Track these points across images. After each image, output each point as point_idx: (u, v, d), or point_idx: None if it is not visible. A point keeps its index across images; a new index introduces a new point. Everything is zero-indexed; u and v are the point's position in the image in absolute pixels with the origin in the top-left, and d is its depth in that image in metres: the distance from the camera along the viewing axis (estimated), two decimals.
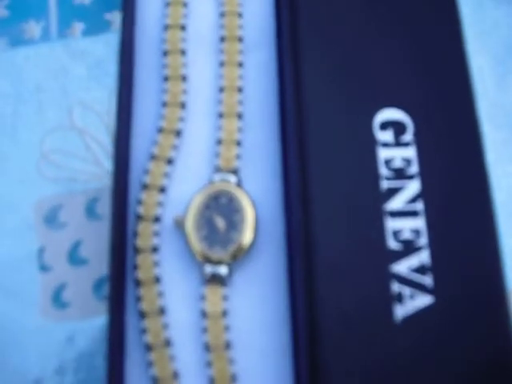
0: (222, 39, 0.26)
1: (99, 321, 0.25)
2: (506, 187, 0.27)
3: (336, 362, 0.21)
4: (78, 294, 0.25)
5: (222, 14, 0.26)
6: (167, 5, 0.27)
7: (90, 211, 0.26)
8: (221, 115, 0.25)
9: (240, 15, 0.27)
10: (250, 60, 0.26)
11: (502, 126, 0.28)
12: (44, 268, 0.25)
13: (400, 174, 0.23)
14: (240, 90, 0.25)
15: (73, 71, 0.28)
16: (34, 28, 0.28)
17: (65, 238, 0.26)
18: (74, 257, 0.25)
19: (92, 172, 0.26)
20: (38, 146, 0.27)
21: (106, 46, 0.28)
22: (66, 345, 0.24)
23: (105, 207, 0.26)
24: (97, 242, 0.25)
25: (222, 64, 0.26)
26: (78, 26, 0.28)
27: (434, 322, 0.22)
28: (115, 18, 0.29)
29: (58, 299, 0.25)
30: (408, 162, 0.23)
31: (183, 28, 0.26)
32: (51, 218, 0.26)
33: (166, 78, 0.25)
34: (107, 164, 0.26)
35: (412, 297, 0.22)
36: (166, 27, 0.26)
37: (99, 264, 0.25)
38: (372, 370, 0.21)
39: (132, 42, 0.26)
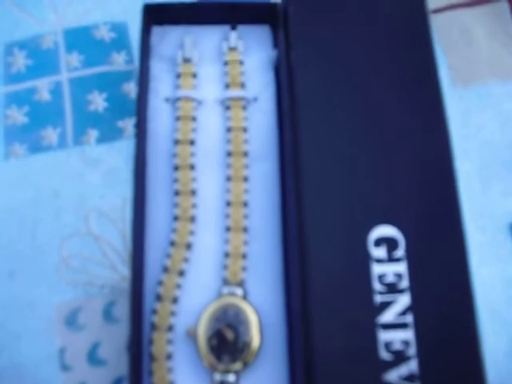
0: (229, 154, 0.28)
1: None
2: (492, 286, 0.30)
3: None
4: None
5: (229, 129, 0.29)
6: (177, 119, 0.29)
7: (108, 314, 0.28)
8: (228, 229, 0.27)
9: (245, 130, 0.29)
10: (254, 173, 0.28)
11: (486, 228, 0.30)
12: (65, 367, 0.27)
13: (392, 288, 0.26)
14: (245, 204, 0.28)
15: (88, 178, 0.30)
16: (51, 135, 0.30)
17: (84, 339, 0.28)
18: (93, 357, 0.27)
19: (108, 277, 0.28)
20: (57, 250, 0.29)
21: (119, 153, 0.30)
22: None
23: (121, 310, 0.28)
24: (114, 343, 0.28)
25: (228, 178, 0.28)
26: (93, 133, 0.30)
27: None
28: (127, 125, 0.31)
29: None
30: (399, 276, 0.26)
31: (192, 143, 0.28)
32: (71, 320, 0.28)
33: (176, 193, 0.27)
34: (122, 269, 0.28)
35: None
36: (177, 142, 0.28)
37: (117, 364, 0.27)
38: None
39: (145, 156, 0.28)
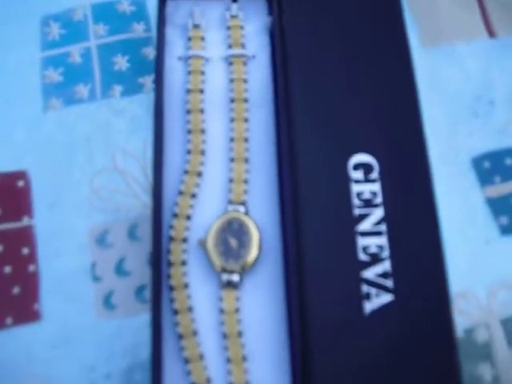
0: (232, 100, 0.34)
1: (140, 318, 0.32)
2: (455, 210, 0.35)
3: (322, 345, 0.29)
4: (123, 298, 0.32)
5: (232, 80, 0.34)
6: (189, 73, 0.34)
7: (132, 234, 0.33)
8: (232, 160, 0.33)
9: (245, 81, 0.34)
10: (253, 116, 0.34)
11: (453, 163, 0.36)
12: (96, 279, 0.33)
13: (368, 203, 0.31)
14: (246, 140, 0.33)
15: (114, 125, 0.35)
16: (82, 90, 0.36)
17: (112, 255, 0.33)
18: (120, 270, 0.33)
19: (132, 204, 0.34)
20: (89, 184, 0.34)
21: (140, 104, 0.36)
22: (114, 338, 0.32)
23: (143, 231, 0.33)
24: (137, 258, 0.33)
25: (232, 120, 0.33)
26: (117, 88, 0.36)
27: (395, 314, 0.29)
28: (146, 81, 0.37)
29: (107, 303, 0.32)
30: (374, 194, 0.31)
31: (201, 91, 0.34)
32: (101, 240, 0.33)
33: (189, 131, 0.33)
34: (144, 198, 0.34)
35: (377, 295, 0.29)
36: (188, 91, 0.34)
37: (139, 275, 0.33)
38: (348, 353, 0.29)
39: (162, 104, 0.33)
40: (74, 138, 0.35)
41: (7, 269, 0.33)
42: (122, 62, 0.37)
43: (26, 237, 0.33)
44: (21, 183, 0.34)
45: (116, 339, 0.32)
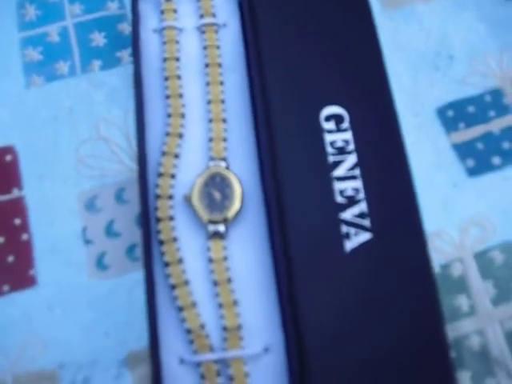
0: (207, 65, 0.36)
1: (133, 276, 0.33)
2: (424, 157, 0.37)
3: (306, 285, 0.30)
4: (114, 258, 0.34)
5: (205, 47, 0.36)
6: (164, 43, 0.36)
7: (119, 198, 0.35)
8: (210, 121, 0.34)
9: (218, 47, 0.36)
10: (228, 79, 0.36)
11: (419, 113, 0.38)
12: (88, 242, 0.34)
13: (341, 150, 0.33)
14: (223, 101, 0.35)
15: (95, 97, 0.37)
16: (63, 66, 0.37)
17: (101, 219, 0.34)
18: (110, 232, 0.34)
19: (117, 169, 0.35)
20: (75, 154, 0.35)
21: (119, 77, 0.37)
22: (109, 297, 0.33)
23: (130, 195, 0.35)
24: (126, 219, 0.34)
25: (208, 83, 0.35)
26: (96, 63, 0.38)
27: (374, 251, 0.31)
28: (124, 55, 0.38)
29: (100, 264, 0.34)
30: (346, 142, 0.33)
31: (177, 59, 0.36)
32: (90, 205, 0.35)
33: (168, 97, 0.35)
34: (129, 163, 0.35)
35: (356, 234, 0.31)
36: (165, 59, 0.36)
37: (129, 235, 0.34)
38: (331, 289, 0.30)
39: (141, 73, 0.35)
40: (58, 111, 0.36)
41: (0, 239, 0.34)
42: (99, 39, 0.38)
43: (17, 208, 0.34)
44: (8, 157, 0.35)
45: (110, 298, 0.33)
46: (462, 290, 0.34)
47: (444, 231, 0.35)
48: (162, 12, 0.37)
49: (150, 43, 0.36)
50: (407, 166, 0.33)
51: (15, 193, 0.35)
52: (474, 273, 0.34)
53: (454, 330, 0.32)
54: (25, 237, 0.34)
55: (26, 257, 0.34)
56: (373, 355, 0.29)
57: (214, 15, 0.37)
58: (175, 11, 0.37)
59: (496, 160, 0.36)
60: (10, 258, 0.34)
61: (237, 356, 0.30)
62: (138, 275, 0.33)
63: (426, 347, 0.29)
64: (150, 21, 0.37)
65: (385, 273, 0.31)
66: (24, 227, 0.34)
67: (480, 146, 0.36)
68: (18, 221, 0.34)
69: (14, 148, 0.35)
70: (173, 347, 0.31)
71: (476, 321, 0.33)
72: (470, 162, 0.36)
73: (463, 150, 0.36)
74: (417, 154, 0.36)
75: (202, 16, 0.37)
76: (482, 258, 0.34)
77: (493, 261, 0.34)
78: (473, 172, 0.36)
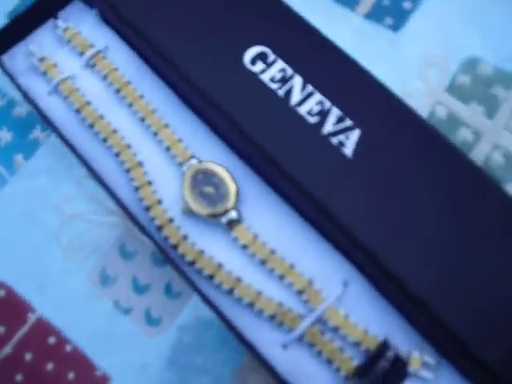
0: (118, 90, 0.34)
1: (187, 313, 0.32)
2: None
3: (343, 205, 0.30)
4: (160, 306, 0.32)
5: (105, 76, 0.35)
6: (66, 97, 0.34)
7: (124, 254, 0.33)
8: (155, 133, 0.33)
9: (116, 69, 0.35)
10: (145, 89, 0.35)
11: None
12: (126, 311, 0.33)
13: (283, 79, 0.32)
14: (154, 111, 0.34)
15: (42, 186, 0.35)
16: None
17: (123, 283, 0.33)
18: (138, 288, 0.33)
19: (104, 232, 0.34)
20: (57, 245, 0.34)
21: (48, 155, 0.36)
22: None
23: (130, 245, 0.33)
24: (143, 268, 0.33)
25: (130, 104, 0.34)
26: (18, 157, 0.36)
27: (372, 142, 0.31)
28: (37, 134, 0.36)
29: (150, 319, 0.32)
30: (283, 70, 0.32)
31: (89, 103, 0.34)
32: (105, 279, 0.33)
33: (104, 140, 0.33)
34: (110, 219, 0.34)
35: (348, 138, 0.31)
36: (77, 110, 0.34)
37: (156, 279, 0.33)
38: (366, 196, 0.30)
39: (67, 137, 0.34)
40: (15, 220, 0.34)
41: (50, 365, 0.32)
42: (4, 135, 0.36)
43: (43, 328, 0.33)
44: (2, 293, 0.33)
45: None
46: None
47: None
48: (45, 73, 0.35)
49: (55, 106, 0.35)
50: (341, 52, 0.33)
51: (32, 317, 0.33)
52: None
53: None
54: (68, 348, 0.32)
55: (85, 366, 0.32)
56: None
57: (91, 45, 0.36)
58: (55, 65, 0.35)
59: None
60: (71, 375, 0.32)
61: (327, 306, 0.29)
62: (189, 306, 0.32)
63: None
64: (38, 88, 0.35)
65: (393, 149, 0.31)
66: (60, 340, 0.32)
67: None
68: (52, 339, 0.32)
69: (5, 283, 0.33)
70: (266, 341, 0.30)
71: None
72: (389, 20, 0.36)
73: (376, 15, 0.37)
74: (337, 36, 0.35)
75: (81, 53, 0.35)
76: None
77: None
78: (394, 28, 0.36)
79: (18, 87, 0.35)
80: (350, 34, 0.37)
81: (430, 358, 0.29)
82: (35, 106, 0.35)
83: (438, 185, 0.30)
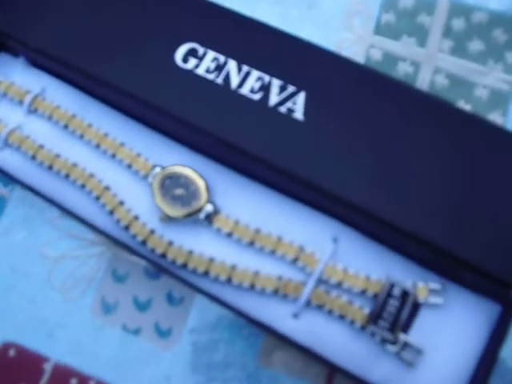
0: (66, 126, 0.35)
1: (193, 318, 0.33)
2: None
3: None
4: (168, 320, 0.33)
5: (50, 117, 0.35)
6: (18, 147, 0.35)
7: (117, 278, 0.34)
8: (113, 155, 0.33)
9: (58, 106, 0.35)
10: (91, 116, 0.35)
11: None
12: (136, 331, 0.33)
13: (218, 68, 0.33)
14: (106, 134, 0.34)
15: (18, 241, 0.35)
16: None
17: (125, 308, 0.33)
18: (141, 307, 0.33)
19: (93, 264, 0.34)
20: (51, 287, 0.34)
21: (20, 206, 0.36)
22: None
23: (121, 268, 0.34)
24: (142, 288, 0.33)
25: (81, 136, 0.34)
26: None
27: (316, 101, 0.32)
28: (2, 192, 0.37)
29: (160, 332, 0.32)
30: (216, 59, 0.33)
31: (42, 146, 0.34)
32: (107, 308, 0.33)
33: (67, 176, 0.33)
34: (95, 250, 0.34)
35: (295, 103, 0.31)
36: (33, 156, 0.34)
37: (157, 295, 0.33)
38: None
39: (31, 185, 0.34)
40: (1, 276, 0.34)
41: None
42: None
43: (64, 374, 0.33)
44: (12, 352, 0.33)
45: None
46: None
47: None
48: None
49: (10, 159, 0.35)
50: (266, 27, 0.33)
51: (47, 366, 0.33)
52: None
53: None
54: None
55: None
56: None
57: (28, 92, 0.36)
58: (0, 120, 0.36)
59: None
60: None
61: (323, 265, 0.30)
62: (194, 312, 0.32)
63: None
64: None
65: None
66: (82, 379, 0.32)
67: None
68: (74, 381, 0.32)
69: (13, 342, 0.33)
70: (277, 316, 0.30)
71: None
72: None
73: None
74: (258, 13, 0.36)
75: (20, 102, 0.36)
76: None
77: None
78: None
79: None
80: (269, 8, 0.37)
81: (435, 285, 0.30)
82: None
83: (395, 122, 0.31)
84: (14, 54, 0.37)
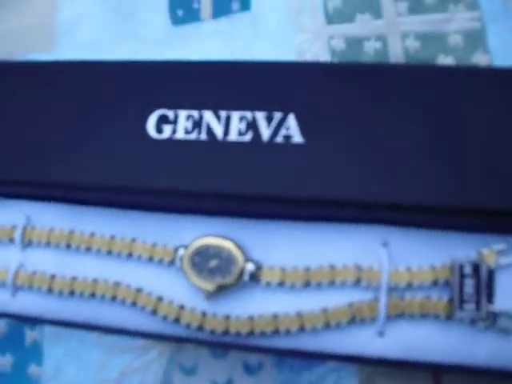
0: None
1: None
2: None
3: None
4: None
5: None
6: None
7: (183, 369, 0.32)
8: (130, 254, 0.31)
9: None
10: None
11: None
12: None
13: (195, 124, 0.31)
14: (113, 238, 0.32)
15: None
16: None
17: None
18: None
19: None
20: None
21: None
22: None
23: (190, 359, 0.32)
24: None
25: None
26: None
27: (307, 118, 0.30)
28: None
29: None
30: (190, 116, 0.31)
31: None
32: None
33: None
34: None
35: (288, 128, 0.30)
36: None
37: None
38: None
39: None
40: None
41: None
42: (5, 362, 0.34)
43: None
44: None
45: None
46: None
47: None
48: None
49: (27, 302, 0.32)
50: (221, 63, 0.32)
51: None
52: None
53: None
54: None
55: None
56: None
57: (14, 226, 0.33)
58: None
59: None
60: None
61: (387, 273, 0.29)
62: None
63: None
64: None
65: None
66: None
67: None
68: None
69: None
70: (363, 344, 0.29)
71: None
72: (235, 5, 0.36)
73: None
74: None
75: (11, 240, 0.33)
76: None
77: None
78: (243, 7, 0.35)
79: None
80: (212, 42, 0.35)
81: (499, 245, 0.29)
82: (8, 316, 0.32)
83: (388, 105, 0.30)
84: None
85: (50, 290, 0.32)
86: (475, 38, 0.32)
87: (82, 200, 0.32)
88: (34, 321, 0.33)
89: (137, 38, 0.37)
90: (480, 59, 0.32)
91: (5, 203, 0.34)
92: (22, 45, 0.37)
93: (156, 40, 0.36)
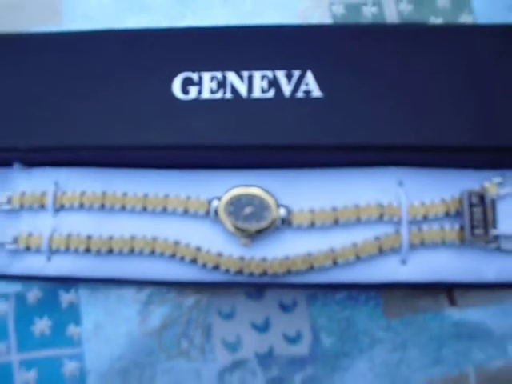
0: None
1: None
2: None
3: None
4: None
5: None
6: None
7: (222, 314, 0.34)
8: (165, 209, 0.33)
9: None
10: None
11: None
12: None
13: (220, 84, 0.33)
14: (146, 196, 0.34)
15: None
16: None
17: None
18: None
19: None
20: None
21: None
22: None
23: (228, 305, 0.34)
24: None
25: None
26: None
27: (324, 74, 0.33)
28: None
29: None
30: (214, 77, 0.33)
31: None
32: None
33: None
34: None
35: (307, 83, 0.33)
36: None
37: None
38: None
39: None
40: None
41: None
42: (43, 325, 0.35)
43: None
44: None
45: None
46: None
47: None
48: (28, 248, 0.34)
49: (64, 264, 0.33)
50: (238, 28, 0.34)
51: None
52: None
53: None
54: None
55: None
56: None
57: (44, 193, 0.34)
58: (30, 235, 0.34)
59: None
60: None
61: (406, 208, 0.32)
62: None
63: None
64: (32, 264, 0.34)
65: None
66: None
67: None
68: None
69: None
70: (391, 271, 0.32)
71: None
72: None
73: None
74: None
75: (42, 206, 0.34)
76: None
77: None
78: None
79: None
80: (223, 12, 0.38)
81: (497, 178, 0.33)
82: (42, 279, 0.33)
83: (394, 58, 0.33)
84: (5, 165, 0.35)
85: (87, 250, 0.33)
86: (460, 1, 0.36)
87: (114, 162, 0.34)
88: (71, 282, 0.34)
89: (144, 9, 0.38)
90: (466, 19, 0.36)
91: (31, 172, 0.35)
92: (25, 17, 0.38)
93: (163, 11, 0.38)
